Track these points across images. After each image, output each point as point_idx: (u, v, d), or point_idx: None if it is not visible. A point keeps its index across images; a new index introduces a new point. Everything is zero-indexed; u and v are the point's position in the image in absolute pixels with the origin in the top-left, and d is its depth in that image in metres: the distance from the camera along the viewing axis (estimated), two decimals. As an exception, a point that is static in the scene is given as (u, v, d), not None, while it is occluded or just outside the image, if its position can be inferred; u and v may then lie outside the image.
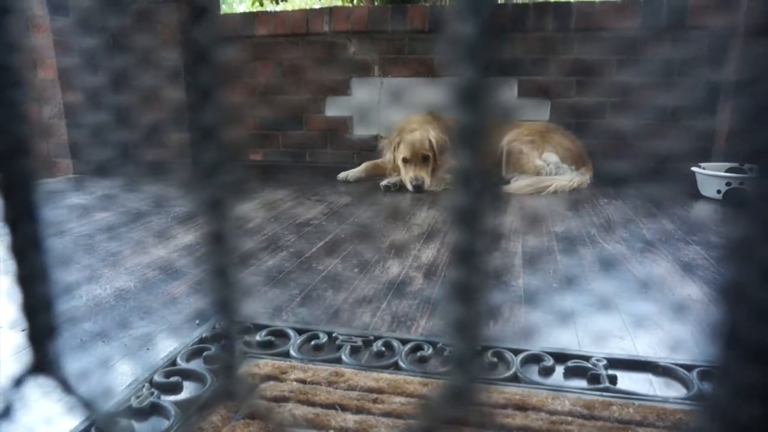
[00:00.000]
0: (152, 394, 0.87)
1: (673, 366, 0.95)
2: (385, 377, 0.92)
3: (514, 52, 2.98)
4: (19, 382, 0.33)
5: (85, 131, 3.02)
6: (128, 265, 1.52)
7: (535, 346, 1.03)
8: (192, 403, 0.85)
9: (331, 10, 3.16)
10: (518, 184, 2.60)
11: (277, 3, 5.82)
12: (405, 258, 1.59)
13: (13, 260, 0.32)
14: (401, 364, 0.98)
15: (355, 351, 1.03)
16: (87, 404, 0.35)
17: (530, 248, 1.68)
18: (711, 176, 2.34)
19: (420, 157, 2.59)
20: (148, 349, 1.04)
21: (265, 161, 3.46)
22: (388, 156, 2.77)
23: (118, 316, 1.19)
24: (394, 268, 1.49)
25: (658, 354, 1.01)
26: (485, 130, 0.22)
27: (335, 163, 3.23)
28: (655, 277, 1.42)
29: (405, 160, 2.61)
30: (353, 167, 2.95)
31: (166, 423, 0.81)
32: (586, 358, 0.98)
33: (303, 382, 0.91)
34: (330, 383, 0.90)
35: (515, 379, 0.93)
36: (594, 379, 0.92)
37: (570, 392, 0.89)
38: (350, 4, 5.48)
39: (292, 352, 1.02)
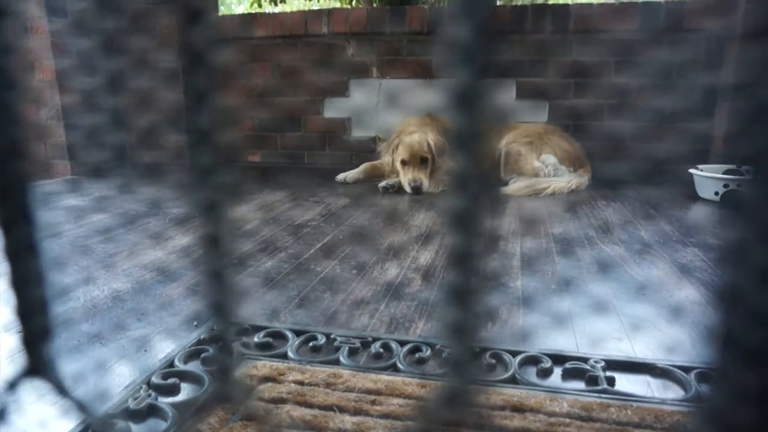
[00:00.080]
0: (149, 395, 0.86)
1: (671, 368, 0.95)
2: (383, 379, 0.92)
3: (513, 54, 2.98)
4: (13, 385, 0.33)
5: (82, 133, 3.01)
6: (125, 267, 1.52)
7: (533, 348, 1.03)
8: (190, 405, 0.85)
9: (329, 12, 3.16)
10: (516, 185, 2.60)
11: (276, 4, 5.82)
12: (403, 259, 1.59)
13: (7, 263, 0.32)
14: (399, 365, 0.97)
15: (353, 352, 1.03)
16: (82, 407, 0.35)
17: (528, 250, 1.68)
18: (709, 178, 2.34)
19: (418, 159, 2.59)
20: (145, 350, 1.04)
21: (263, 163, 3.46)
22: (386, 158, 2.77)
23: (116, 318, 1.19)
24: (393, 270, 1.49)
25: (656, 356, 1.01)
26: (481, 132, 0.22)
27: (334, 165, 3.23)
28: (652, 279, 1.42)
29: (403, 162, 2.61)
30: (352, 169, 2.95)
31: (163, 425, 0.81)
32: (584, 360, 0.98)
33: (301, 383, 0.91)
34: (328, 385, 0.90)
35: (513, 380, 0.93)
36: (592, 380, 0.92)
37: (568, 394, 0.88)
38: (349, 6, 5.48)
39: (290, 354, 1.02)
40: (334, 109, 3.29)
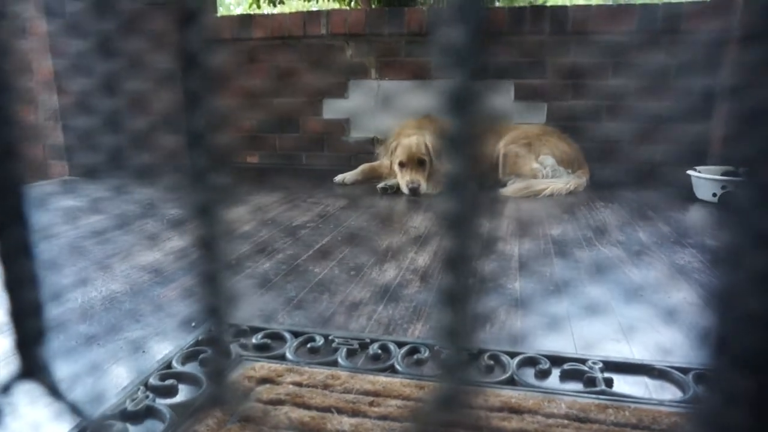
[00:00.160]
0: (147, 397, 0.86)
1: (669, 369, 0.95)
2: (381, 380, 0.92)
3: (511, 56, 2.98)
4: (7, 387, 0.33)
5: (79, 134, 3.01)
6: (122, 269, 1.52)
7: (531, 349, 1.03)
8: (187, 407, 0.85)
9: (328, 13, 3.16)
10: (514, 187, 2.60)
11: (274, 5, 5.82)
12: (401, 261, 1.58)
13: (1, 265, 0.32)
14: (397, 367, 0.97)
15: (351, 354, 1.03)
16: (77, 409, 0.35)
17: (526, 251, 1.68)
18: (707, 179, 2.35)
19: (416, 161, 2.59)
20: (143, 352, 1.04)
21: (261, 164, 3.46)
22: (384, 159, 2.77)
23: (113, 320, 1.18)
24: (391, 271, 1.49)
25: (654, 357, 1.01)
26: (475, 135, 0.22)
27: (332, 166, 3.23)
28: (650, 280, 1.42)
29: (401, 164, 2.61)
30: (350, 170, 2.95)
31: (161, 426, 0.80)
32: (582, 361, 0.98)
33: (299, 385, 0.91)
34: (326, 386, 0.90)
35: (511, 382, 0.93)
36: (590, 382, 0.92)
37: (566, 395, 0.88)
38: (347, 7, 5.48)
39: (288, 355, 1.02)
40: (332, 111, 3.29)
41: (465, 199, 0.22)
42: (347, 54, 3.19)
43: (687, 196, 2.42)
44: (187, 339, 1.08)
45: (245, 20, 3.27)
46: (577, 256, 1.62)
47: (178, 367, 0.97)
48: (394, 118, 2.96)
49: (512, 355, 1.00)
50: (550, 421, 0.81)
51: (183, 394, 0.90)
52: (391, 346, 1.04)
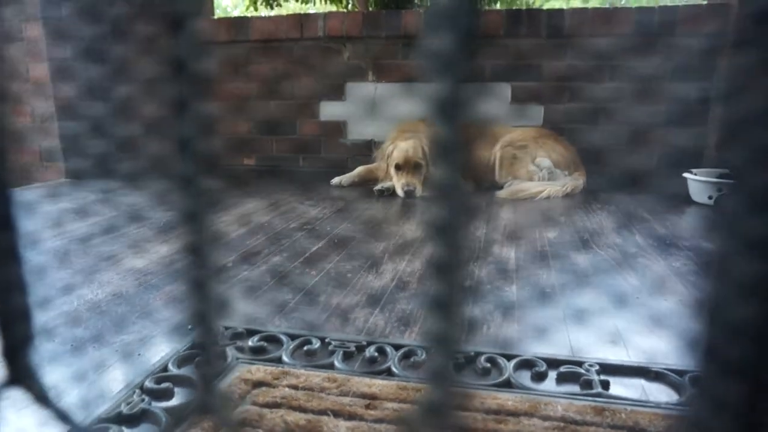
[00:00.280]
0: (143, 400, 0.86)
1: (665, 371, 0.95)
2: (378, 383, 0.91)
3: (507, 59, 2.99)
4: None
5: (74, 137, 3.00)
6: (120, 270, 1.51)
7: (528, 352, 1.03)
8: (183, 410, 0.85)
9: (325, 16, 3.16)
10: (511, 189, 2.61)
11: (272, 8, 5.83)
12: (398, 263, 1.58)
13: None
14: (394, 369, 0.97)
15: (347, 356, 1.02)
16: (65, 416, 0.34)
17: (523, 254, 1.68)
18: (703, 182, 2.35)
19: (412, 164, 2.59)
20: (139, 354, 1.04)
21: (258, 166, 3.46)
22: (381, 162, 2.77)
23: (109, 322, 1.18)
24: (388, 273, 1.49)
25: (651, 359, 1.01)
26: (462, 140, 0.22)
27: (329, 168, 3.23)
28: (647, 283, 1.42)
29: (397, 167, 2.61)
30: (347, 172, 2.95)
31: (156, 429, 0.80)
32: (579, 364, 0.98)
33: (295, 388, 0.90)
34: (322, 389, 0.90)
35: (508, 384, 0.93)
36: (586, 384, 0.92)
37: (562, 398, 0.89)
38: (345, 10, 5.49)
39: (284, 358, 1.01)
40: (329, 113, 3.29)
41: (453, 205, 0.22)
42: (344, 57, 3.20)
43: (683, 199, 2.43)
44: (184, 342, 1.07)
45: (242, 23, 3.27)
46: (573, 259, 1.62)
47: (174, 370, 0.96)
48: (390, 121, 2.96)
49: (509, 357, 1.00)
50: (547, 424, 0.81)
51: (179, 397, 0.89)
52: (388, 349, 1.04)
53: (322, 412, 0.83)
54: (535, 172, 2.67)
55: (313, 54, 3.22)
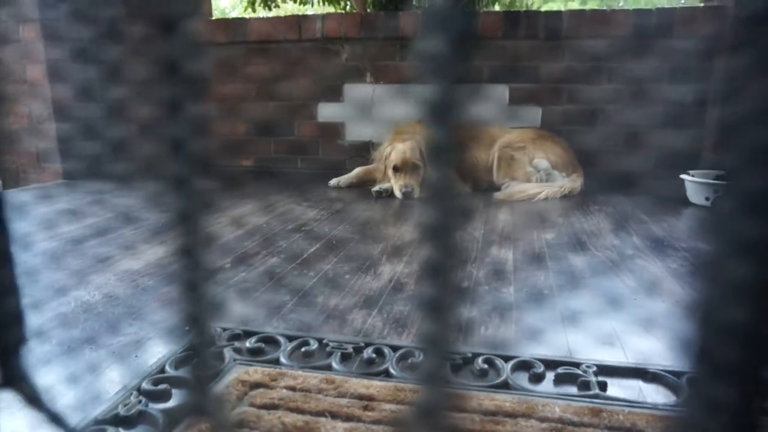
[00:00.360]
0: (140, 402, 0.86)
1: (663, 372, 0.96)
2: (376, 384, 0.91)
3: (506, 60, 3.00)
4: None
5: (76, 134, 3.00)
6: (118, 270, 1.51)
7: (526, 353, 1.03)
8: (180, 411, 0.84)
9: (323, 17, 3.16)
10: (509, 190, 2.61)
11: (270, 9, 5.83)
12: (396, 264, 1.58)
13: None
14: (392, 371, 0.97)
15: (345, 358, 1.02)
16: (57, 419, 0.34)
17: (521, 255, 1.68)
18: (700, 184, 2.36)
19: (410, 166, 2.59)
20: (136, 356, 1.03)
21: (256, 167, 3.45)
22: (379, 164, 2.77)
23: (106, 324, 1.18)
24: (385, 275, 1.49)
25: (648, 360, 1.01)
26: (454, 143, 0.22)
27: (327, 169, 3.23)
28: (644, 283, 1.43)
29: (395, 168, 2.61)
30: (345, 173, 2.95)
31: (153, 431, 0.80)
32: (576, 365, 0.98)
33: (293, 389, 0.90)
34: (320, 390, 0.90)
35: (505, 386, 0.93)
36: (584, 385, 0.93)
37: (560, 399, 0.89)
38: (343, 11, 5.49)
39: (282, 359, 1.01)
40: (327, 114, 3.29)
41: (446, 206, 0.22)
42: (342, 58, 3.20)
43: (681, 200, 2.43)
44: (181, 343, 1.07)
45: (240, 24, 3.27)
46: (570, 261, 1.63)
47: (171, 371, 0.96)
48: (388, 123, 2.97)
49: (506, 359, 1.00)
50: (544, 425, 0.81)
51: (176, 398, 0.89)
52: (386, 350, 1.04)
53: (320, 414, 0.83)
54: (533, 173, 2.67)
55: (311, 55, 3.22)
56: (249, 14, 5.76)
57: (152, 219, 2.13)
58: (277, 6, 5.88)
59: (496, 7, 5.83)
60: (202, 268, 0.28)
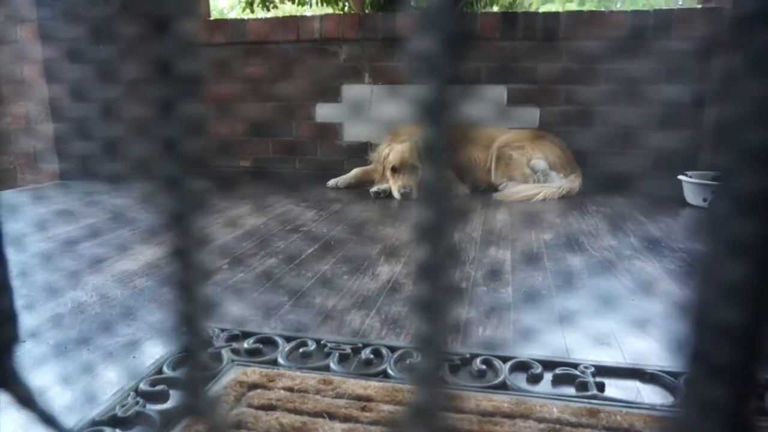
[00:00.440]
0: (137, 403, 0.85)
1: (660, 373, 0.96)
2: (374, 385, 0.91)
3: (504, 61, 3.00)
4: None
5: (73, 134, 2.99)
6: (115, 271, 1.51)
7: (524, 354, 1.03)
8: (178, 412, 0.84)
9: (321, 18, 3.16)
10: (507, 191, 2.61)
11: (268, 9, 5.83)
12: (394, 265, 1.58)
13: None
14: (390, 371, 0.97)
15: (343, 358, 1.02)
16: (49, 419, 0.34)
17: (519, 255, 1.68)
18: (697, 184, 2.37)
19: (409, 167, 2.59)
20: (134, 357, 1.03)
21: (254, 167, 3.45)
22: (377, 165, 2.77)
23: (104, 324, 1.17)
24: (384, 275, 1.49)
25: (646, 361, 1.01)
26: (446, 144, 0.22)
27: (325, 170, 3.23)
28: (642, 284, 1.43)
29: (394, 169, 2.61)
30: (343, 173, 2.95)
31: (151, 432, 0.80)
32: (574, 366, 0.98)
33: (291, 390, 0.90)
34: (318, 391, 0.90)
35: (503, 386, 0.93)
36: (582, 386, 0.93)
37: (558, 400, 0.89)
38: (341, 12, 5.50)
39: (280, 360, 1.01)
40: (325, 115, 3.29)
41: (439, 207, 0.22)
42: (340, 58, 3.20)
43: (679, 201, 2.44)
44: (178, 344, 1.07)
45: (238, 24, 3.27)
46: (568, 261, 1.63)
47: (168, 372, 0.96)
48: (386, 123, 2.97)
49: (504, 359, 1.00)
50: (542, 426, 0.81)
51: (174, 399, 0.89)
52: (384, 351, 1.04)
53: (318, 414, 0.83)
54: (530, 174, 2.68)
55: (309, 56, 3.22)
56: (247, 15, 5.76)
57: (149, 219, 2.12)
58: (275, 7, 5.88)
59: (495, 8, 5.84)
60: (195, 269, 0.28)
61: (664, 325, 1.18)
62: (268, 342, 1.09)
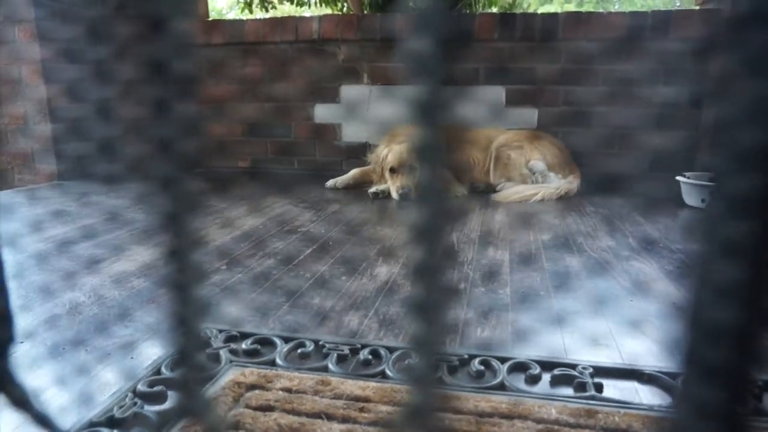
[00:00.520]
0: (135, 403, 0.85)
1: (659, 374, 0.96)
2: (372, 385, 0.91)
3: (502, 62, 3.00)
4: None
5: (71, 134, 2.99)
6: (113, 271, 1.50)
7: (522, 354, 1.03)
8: (175, 413, 0.84)
9: (320, 18, 3.16)
10: (506, 192, 2.61)
11: (267, 10, 5.83)
12: (393, 265, 1.58)
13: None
14: (388, 372, 0.97)
15: (341, 359, 1.02)
16: (44, 420, 0.34)
17: (517, 256, 1.68)
18: (695, 185, 2.37)
19: (407, 167, 2.59)
20: (132, 358, 1.03)
21: (252, 168, 3.45)
22: (375, 166, 2.77)
23: (102, 325, 1.17)
24: (382, 276, 1.49)
25: (644, 362, 1.01)
26: (440, 144, 0.22)
27: (323, 170, 3.23)
28: (640, 285, 1.43)
29: (392, 170, 2.61)
30: (341, 174, 2.95)
31: (148, 433, 0.80)
32: (573, 366, 0.98)
33: (289, 390, 0.90)
34: (316, 392, 0.90)
35: (502, 387, 0.93)
36: (580, 387, 0.93)
37: (556, 400, 0.89)
38: (339, 12, 5.50)
39: (278, 361, 1.01)
40: (324, 115, 3.29)
41: (433, 207, 0.22)
42: (339, 59, 3.20)
43: (677, 202, 2.44)
44: (176, 345, 1.07)
45: (237, 25, 3.27)
46: (567, 261, 1.63)
47: (167, 373, 0.96)
48: (385, 124, 2.97)
49: (503, 360, 1.00)
50: (540, 426, 0.81)
51: (172, 400, 0.89)
52: (382, 352, 1.04)
53: (316, 415, 0.83)
54: (529, 175, 2.68)
55: (308, 56, 3.22)
56: (246, 15, 5.75)
57: (145, 220, 2.12)
58: (274, 7, 5.88)
59: (494, 9, 5.84)
60: (191, 270, 0.28)
61: (661, 325, 1.18)
62: (266, 343, 1.09)
